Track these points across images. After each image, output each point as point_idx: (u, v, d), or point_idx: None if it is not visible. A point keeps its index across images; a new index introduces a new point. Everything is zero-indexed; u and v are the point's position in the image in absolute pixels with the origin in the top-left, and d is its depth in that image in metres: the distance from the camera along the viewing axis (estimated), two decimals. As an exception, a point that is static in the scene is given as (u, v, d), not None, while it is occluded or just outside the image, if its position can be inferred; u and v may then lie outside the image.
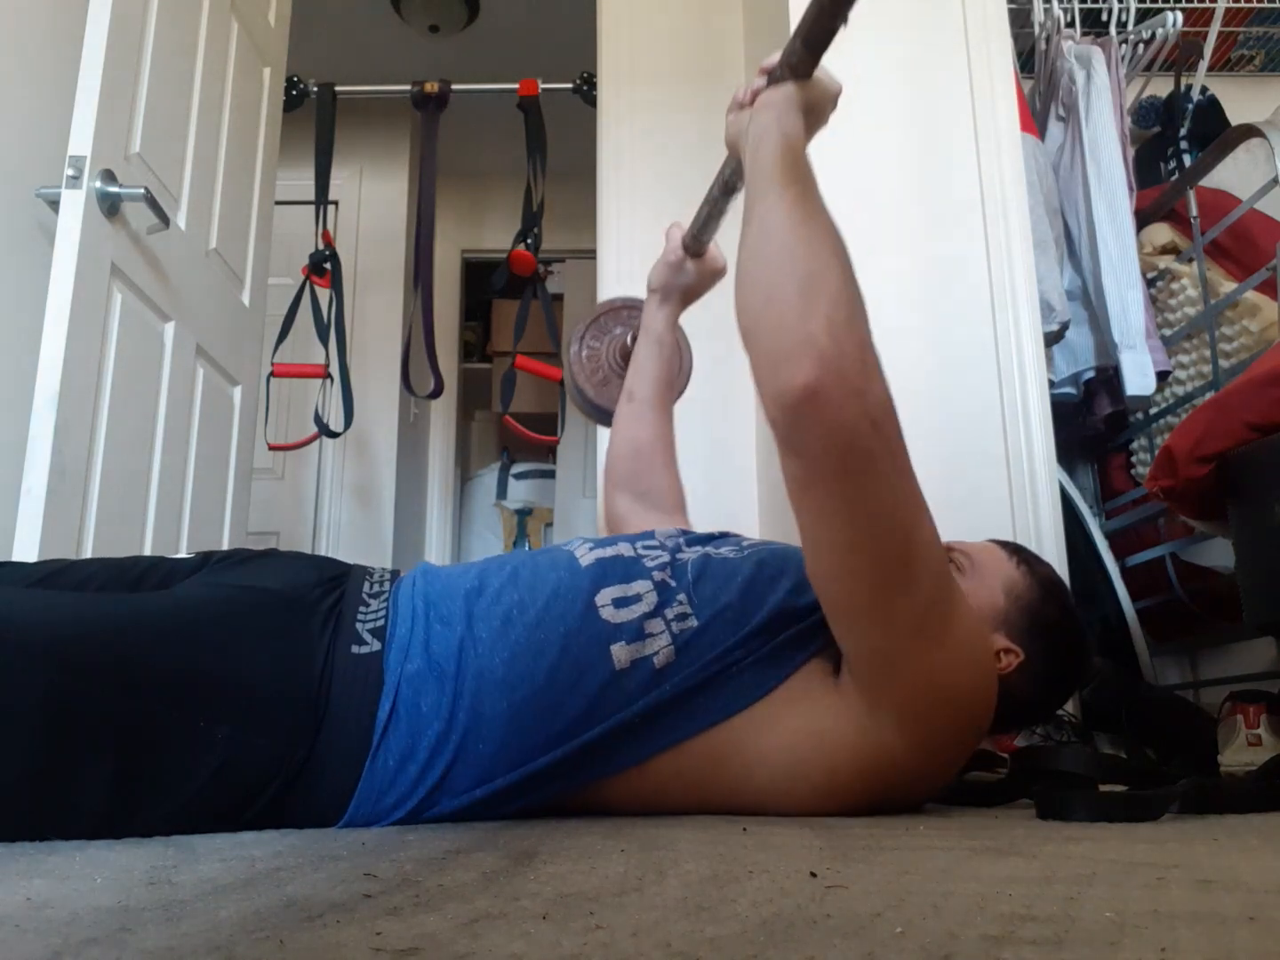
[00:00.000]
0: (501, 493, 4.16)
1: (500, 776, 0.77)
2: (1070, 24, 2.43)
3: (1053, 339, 2.04)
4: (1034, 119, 2.30)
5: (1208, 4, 2.59)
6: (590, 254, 2.52)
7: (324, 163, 2.74)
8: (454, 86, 2.76)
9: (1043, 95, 2.41)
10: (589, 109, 2.57)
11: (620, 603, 0.82)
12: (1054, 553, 1.58)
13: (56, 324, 1.34)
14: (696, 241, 1.16)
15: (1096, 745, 1.59)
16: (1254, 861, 0.57)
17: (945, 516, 1.58)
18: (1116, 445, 2.39)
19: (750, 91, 0.89)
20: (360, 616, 0.81)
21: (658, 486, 1.20)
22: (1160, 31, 2.41)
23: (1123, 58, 2.42)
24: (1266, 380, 1.34)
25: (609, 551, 0.88)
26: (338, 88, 2.79)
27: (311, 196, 2.75)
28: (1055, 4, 2.38)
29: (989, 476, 1.63)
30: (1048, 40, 2.40)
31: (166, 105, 1.66)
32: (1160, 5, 2.52)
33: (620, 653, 0.79)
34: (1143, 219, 2.32)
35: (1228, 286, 2.09)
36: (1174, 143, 2.64)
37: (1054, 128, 2.33)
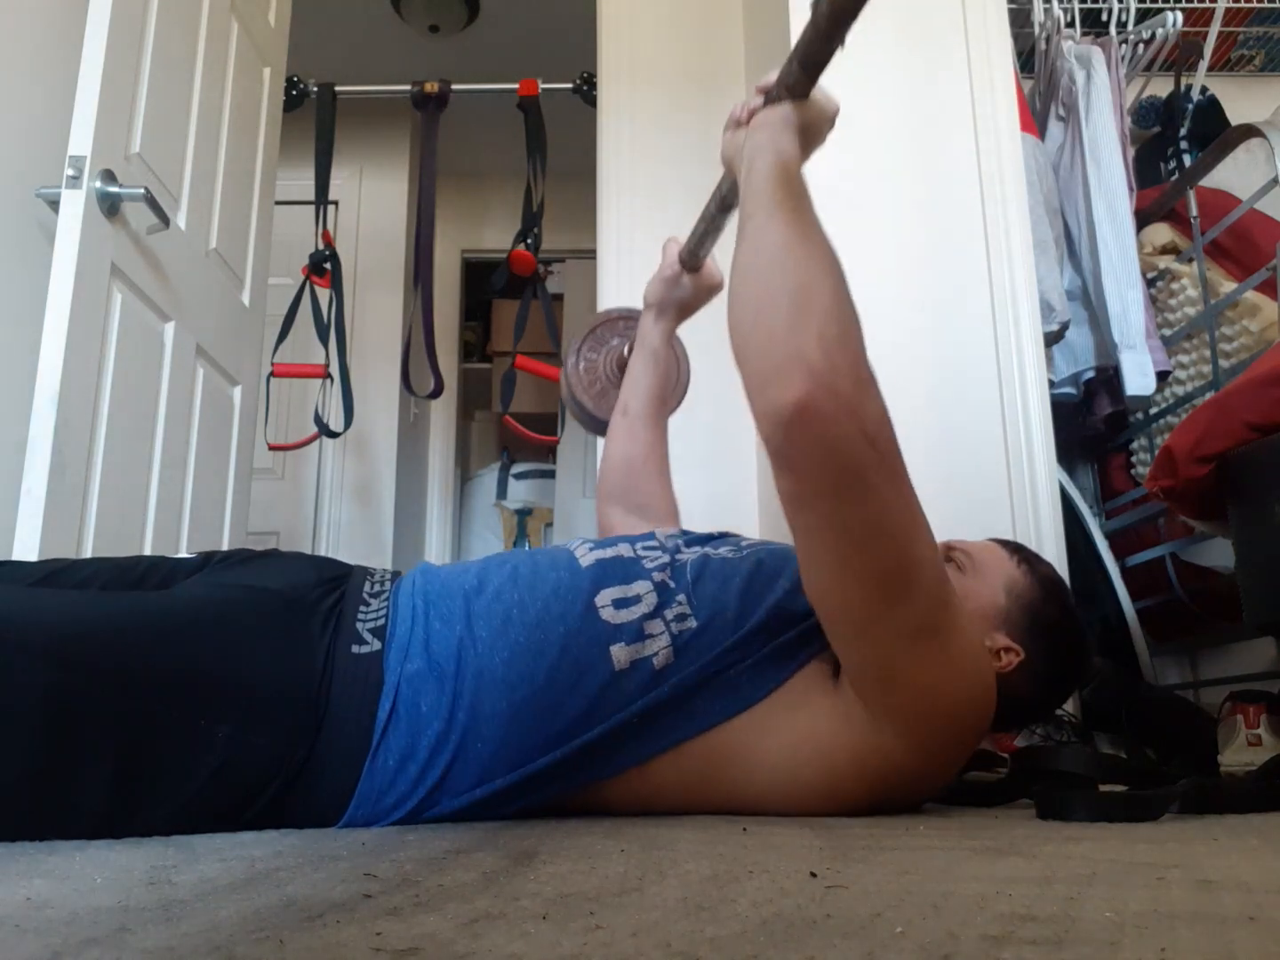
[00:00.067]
0: (501, 493, 4.16)
1: (500, 777, 0.77)
2: (1070, 24, 2.43)
3: (1053, 339, 2.04)
4: (1034, 119, 2.30)
5: (1208, 4, 2.59)
6: (590, 254, 2.52)
7: (324, 163, 2.74)
8: (454, 86, 2.76)
9: (1043, 95, 2.41)
10: (589, 109, 2.57)
11: (620, 603, 0.82)
12: (1054, 553, 1.58)
13: (56, 324, 1.34)
14: (693, 256, 1.16)
15: (1096, 745, 1.59)
16: (1254, 861, 0.57)
17: (945, 516, 1.58)
18: (1116, 445, 2.39)
19: (747, 110, 0.88)
20: (361, 616, 0.82)
21: (651, 500, 1.20)
22: (1160, 31, 2.41)
23: (1123, 58, 2.42)
24: (1266, 380, 1.34)
25: (609, 552, 0.88)
26: (338, 88, 2.79)
27: (311, 196, 2.75)
28: (1055, 4, 2.38)
29: (989, 476, 1.63)
30: (1048, 40, 2.40)
31: (166, 105, 1.66)
32: (1160, 5, 2.52)
33: (620, 653, 0.79)
34: (1143, 219, 2.32)
35: (1228, 286, 2.09)
36: (1174, 143, 2.64)
37: (1054, 128, 2.33)
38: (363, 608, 0.83)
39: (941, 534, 0.98)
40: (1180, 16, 2.38)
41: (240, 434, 1.96)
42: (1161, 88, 2.69)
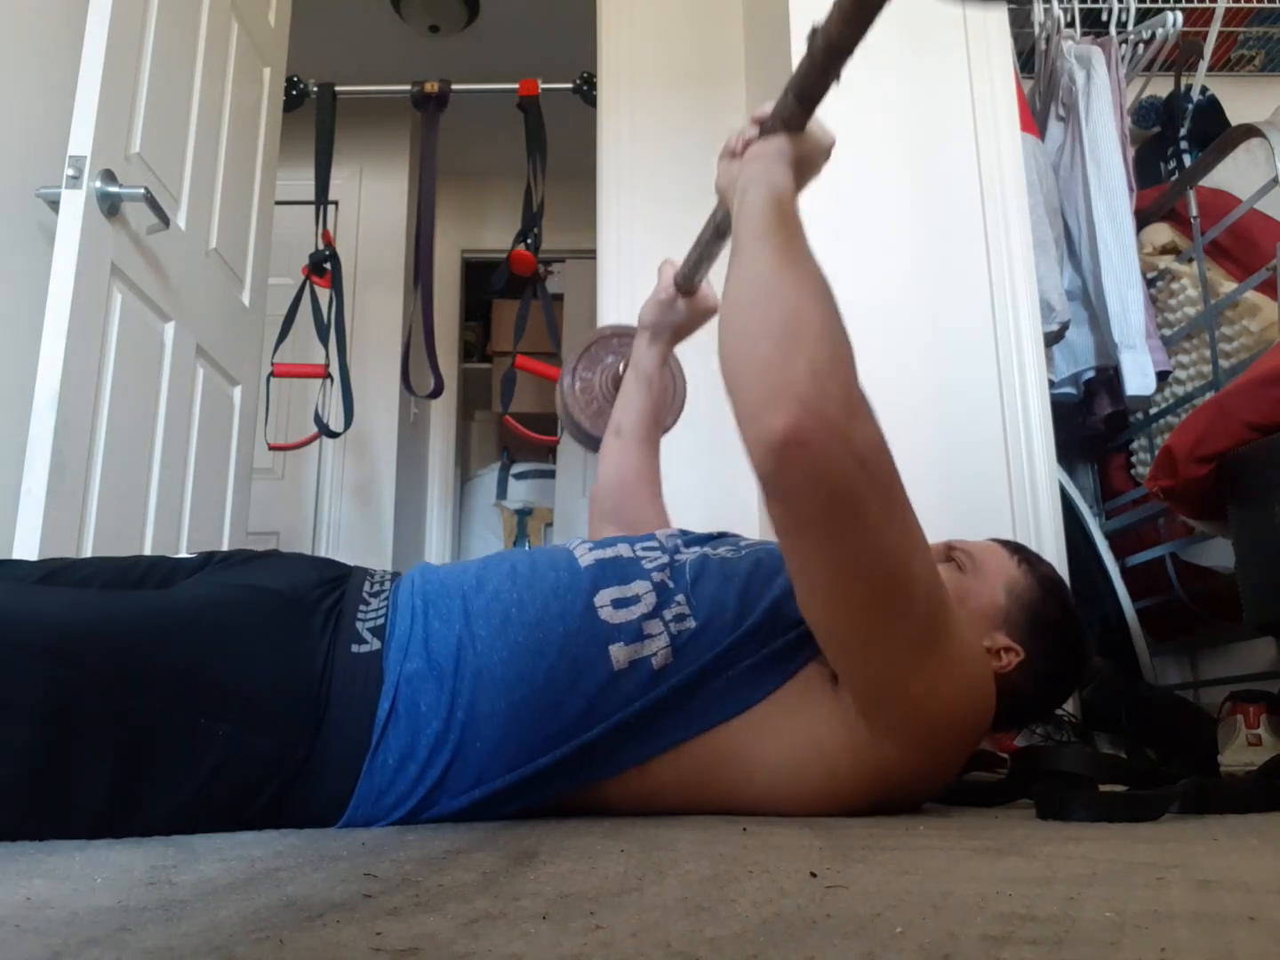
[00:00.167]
0: (501, 493, 4.15)
1: (499, 777, 0.77)
2: (1070, 24, 2.43)
3: (1053, 339, 2.04)
4: (1034, 119, 2.30)
5: (1208, 4, 2.59)
6: (590, 254, 2.52)
7: (324, 163, 2.74)
8: (454, 86, 2.76)
9: (1043, 95, 2.41)
10: (589, 109, 2.57)
11: (619, 603, 0.82)
12: (1054, 553, 1.58)
13: (56, 324, 1.34)
14: (688, 280, 1.16)
15: (1096, 745, 1.59)
16: (1254, 861, 0.57)
17: (946, 516, 1.59)
18: (1116, 445, 2.39)
19: (742, 141, 0.88)
20: (360, 615, 0.82)
21: (643, 518, 1.20)
22: (1160, 31, 2.41)
23: (1123, 58, 2.42)
24: (1266, 380, 1.34)
25: (608, 553, 0.88)
26: (338, 88, 2.79)
27: (311, 196, 2.75)
28: (1055, 4, 2.38)
29: (989, 476, 1.63)
30: (1048, 40, 2.40)
31: (166, 105, 1.66)
32: (1160, 5, 2.52)
33: (619, 653, 0.79)
34: (1143, 219, 2.32)
35: (1228, 286, 2.09)
36: (1174, 143, 2.64)
37: (1054, 128, 2.33)
38: (362, 607, 0.83)
39: (941, 534, 0.98)
40: (1180, 16, 2.38)
41: (240, 434, 1.96)
42: (1161, 88, 2.69)
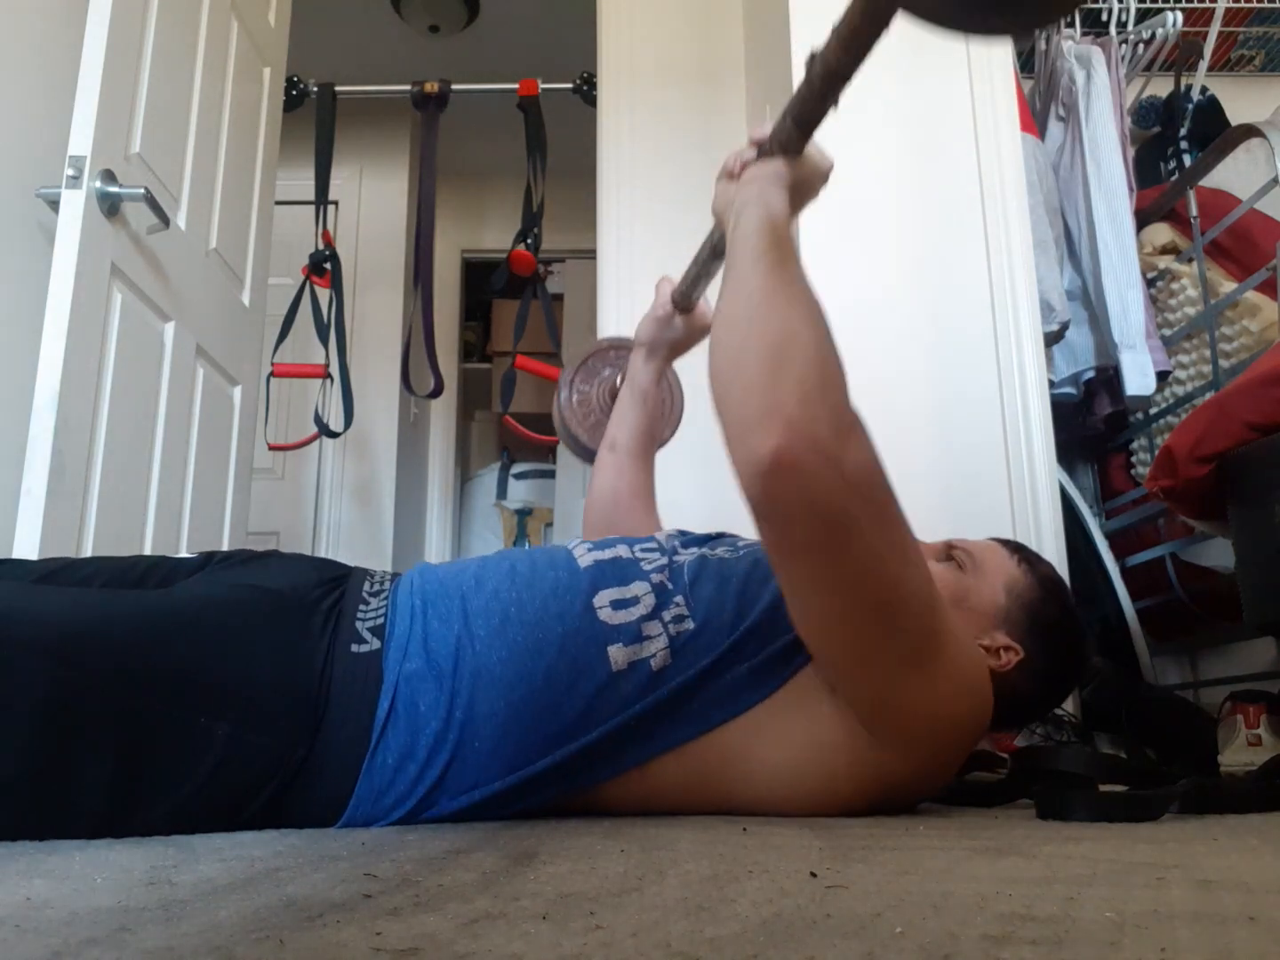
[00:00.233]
0: (501, 493, 4.16)
1: (498, 779, 0.77)
2: (1070, 24, 2.43)
3: (1053, 339, 2.04)
4: (1034, 119, 2.30)
5: (1208, 4, 2.59)
6: (590, 254, 2.52)
7: (324, 163, 2.74)
8: (454, 86, 2.76)
9: (1043, 95, 2.41)
10: (589, 109, 2.57)
11: (618, 604, 0.82)
12: (1054, 553, 1.58)
13: (56, 324, 1.34)
14: (685, 298, 1.16)
15: (1096, 745, 1.59)
16: (1254, 861, 0.57)
17: (946, 516, 1.59)
18: (1116, 445, 2.39)
19: (740, 162, 0.88)
20: (360, 615, 0.82)
21: (638, 532, 1.20)
22: (1160, 31, 2.41)
23: (1123, 58, 2.42)
24: (1266, 380, 1.34)
25: (607, 554, 0.88)
26: (338, 88, 2.79)
27: (311, 196, 2.75)
28: (1055, 4, 2.37)
29: (989, 476, 1.63)
30: (1048, 40, 2.40)
31: (166, 105, 1.66)
32: (1160, 5, 2.52)
33: (617, 654, 0.79)
34: (1143, 219, 2.32)
35: (1228, 286, 2.09)
36: (1174, 143, 2.64)
37: (1054, 128, 2.33)
38: (362, 607, 0.83)
39: (941, 534, 0.98)
40: (1180, 16, 2.38)
41: (240, 434, 1.96)
42: (1161, 88, 2.69)
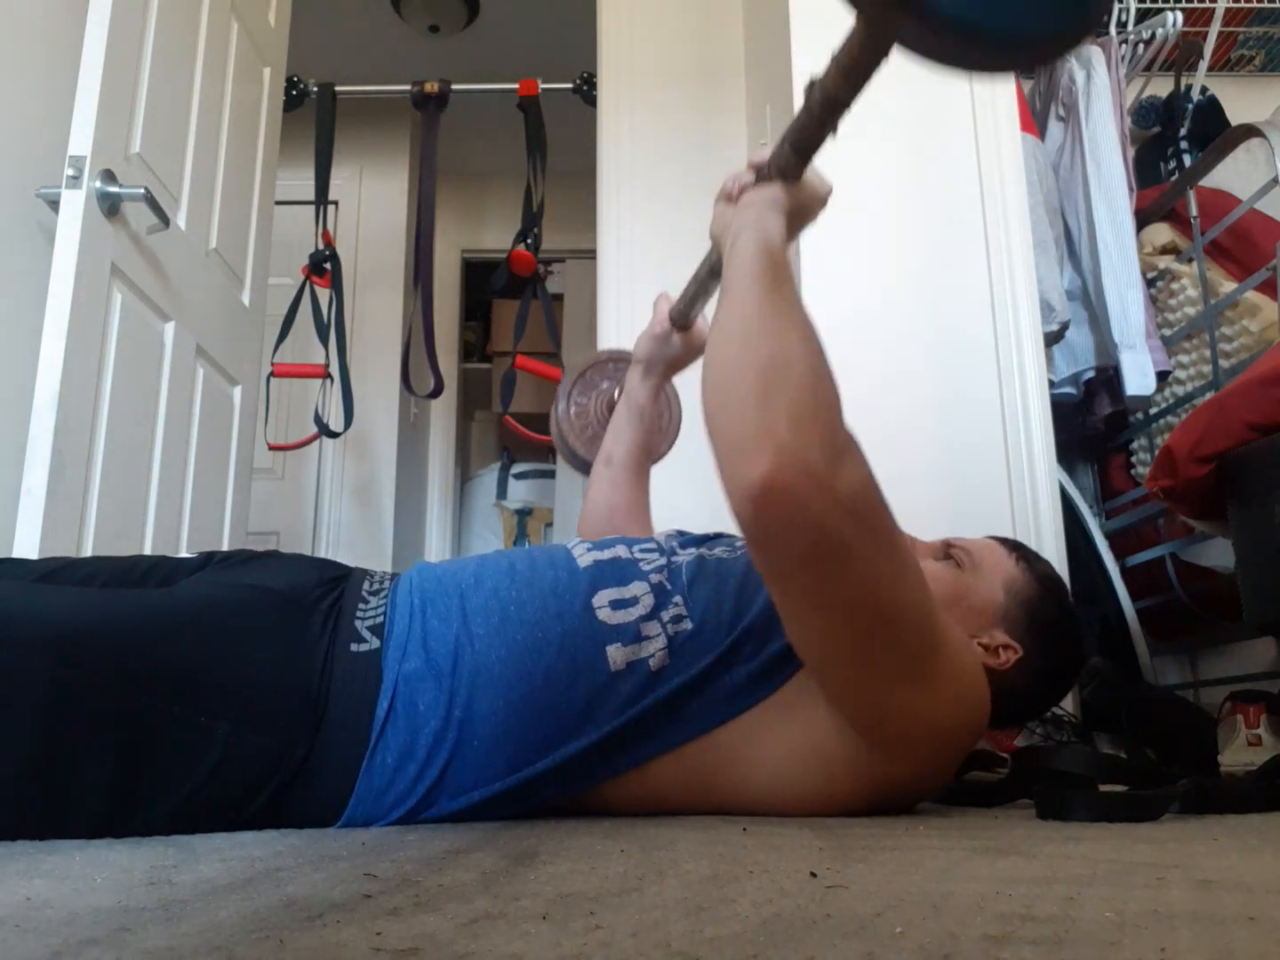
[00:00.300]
0: (501, 493, 4.16)
1: (498, 779, 0.77)
2: (1070, 24, 2.42)
3: (1053, 339, 2.04)
4: (1034, 119, 2.30)
5: (1208, 4, 2.59)
6: (590, 254, 2.52)
7: (324, 163, 2.74)
8: (454, 86, 2.76)
9: (1043, 95, 2.41)
10: (589, 109, 2.57)
11: (617, 605, 0.82)
12: (1054, 552, 1.58)
13: (56, 324, 1.34)
14: (683, 316, 1.15)
15: (1096, 745, 1.59)
16: (1254, 861, 0.57)
17: (945, 515, 1.59)
18: (1116, 445, 2.39)
19: (738, 185, 0.87)
20: (360, 614, 0.82)
21: None
22: (1160, 31, 2.41)
23: (1123, 58, 2.42)
24: (1266, 380, 1.34)
25: (606, 554, 0.88)
26: (338, 88, 2.80)
27: (311, 196, 2.75)
28: (1055, 4, 2.37)
29: (989, 476, 1.63)
30: (1048, 40, 2.40)
31: (166, 105, 1.66)
32: (1160, 5, 2.52)
33: (616, 654, 0.79)
34: (1143, 219, 2.32)
35: (1228, 286, 2.09)
36: (1174, 143, 2.64)
37: (1054, 128, 2.33)
38: (361, 606, 0.83)
39: (941, 533, 0.98)
40: (1180, 16, 2.38)
41: (240, 434, 1.96)
42: (1161, 88, 2.69)
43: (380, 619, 0.81)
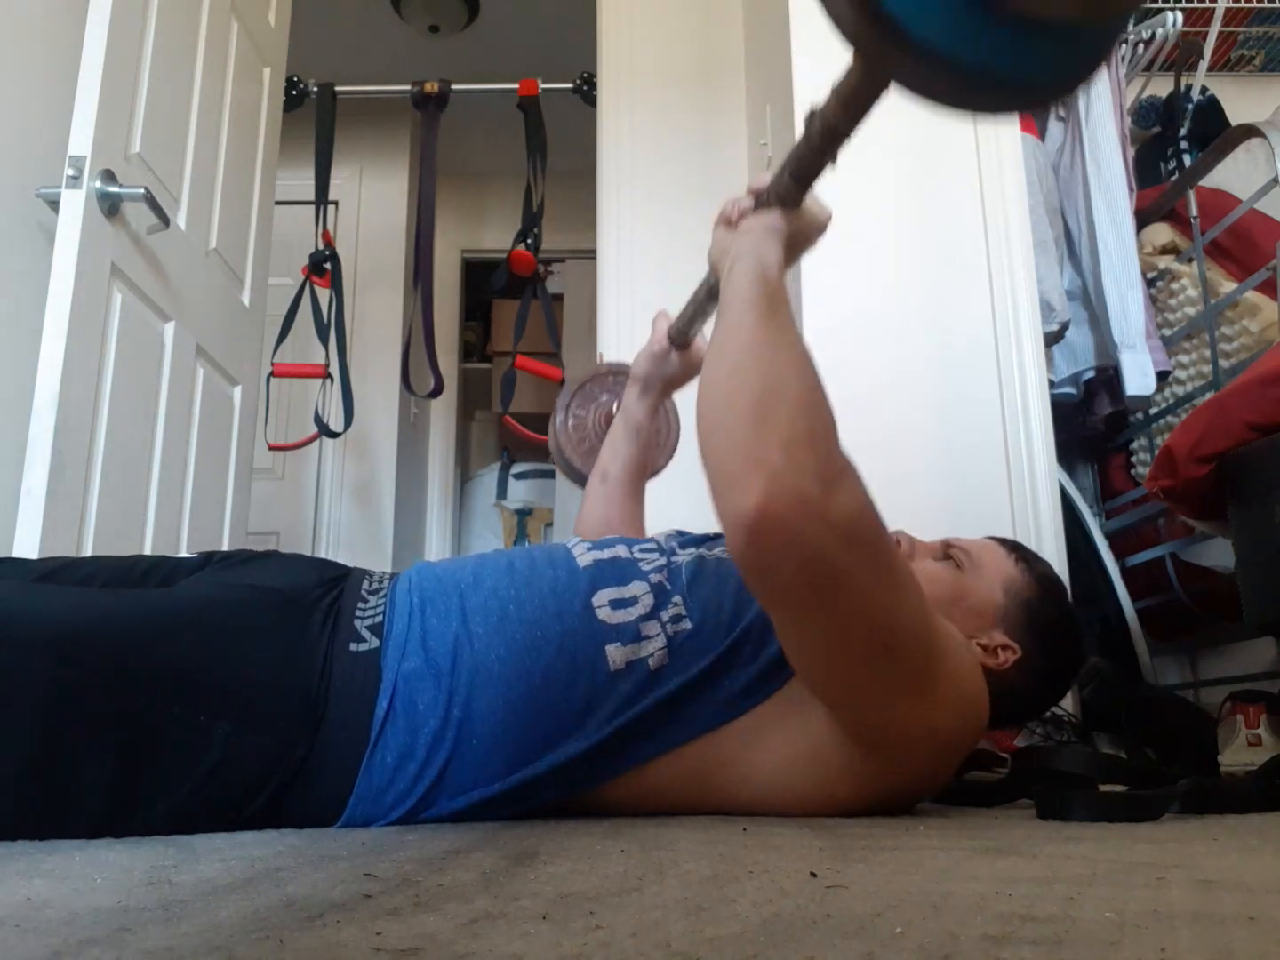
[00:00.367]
0: (501, 493, 4.16)
1: (498, 779, 0.77)
2: (1070, 24, 2.42)
3: (1053, 339, 2.04)
4: (1034, 119, 2.30)
5: (1208, 4, 2.59)
6: (590, 254, 2.52)
7: (324, 163, 2.74)
8: (454, 86, 2.76)
9: (1043, 95, 2.40)
10: (589, 109, 2.57)
11: (617, 604, 0.82)
12: (1054, 552, 1.58)
13: (56, 324, 1.34)
14: (682, 335, 1.15)
15: (1096, 745, 1.59)
16: (1254, 861, 0.57)
17: (945, 516, 1.59)
18: (1116, 445, 2.39)
19: (737, 210, 0.87)
20: (359, 613, 0.82)
21: None
22: (1160, 31, 2.41)
23: (1123, 58, 2.42)
24: (1266, 380, 1.34)
25: (606, 554, 0.88)
26: (338, 88, 2.79)
27: (311, 196, 2.75)
28: (1055, 4, 2.37)
29: (989, 476, 1.63)
30: (1048, 40, 2.40)
31: (166, 105, 1.66)
32: (1160, 5, 2.52)
33: (615, 654, 0.79)
34: (1143, 219, 2.32)
35: (1228, 286, 2.09)
36: (1174, 143, 2.64)
37: (1054, 128, 2.33)
38: (361, 605, 0.83)
39: (941, 533, 0.98)
40: (1180, 16, 2.38)
41: (240, 434, 1.96)
42: (1161, 88, 2.69)
43: (379, 618, 0.81)
